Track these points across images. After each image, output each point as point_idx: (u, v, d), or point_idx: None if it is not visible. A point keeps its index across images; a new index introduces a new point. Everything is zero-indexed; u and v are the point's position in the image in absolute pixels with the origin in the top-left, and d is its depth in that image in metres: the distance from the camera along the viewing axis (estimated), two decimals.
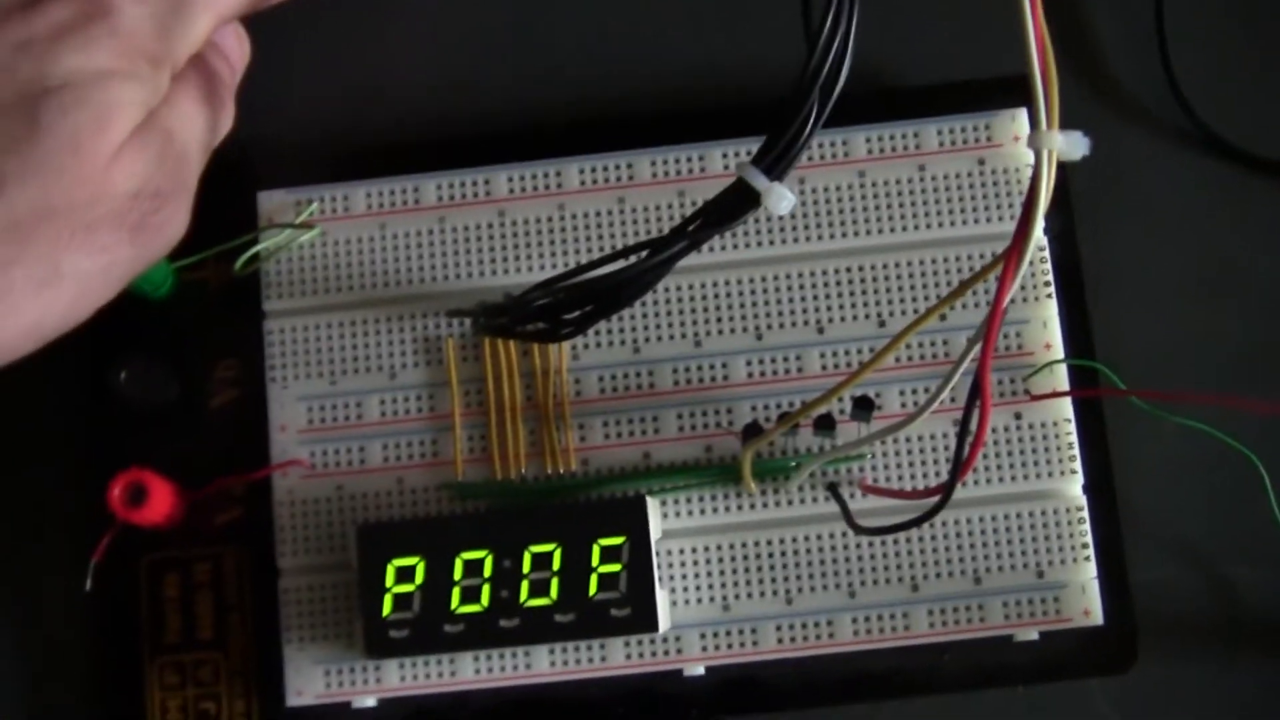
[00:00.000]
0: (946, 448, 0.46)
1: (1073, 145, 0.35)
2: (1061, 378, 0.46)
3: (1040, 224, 0.35)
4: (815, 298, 0.47)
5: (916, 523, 0.40)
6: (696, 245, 0.38)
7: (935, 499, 0.39)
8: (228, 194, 0.48)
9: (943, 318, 0.46)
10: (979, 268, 0.46)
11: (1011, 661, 0.46)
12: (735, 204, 0.38)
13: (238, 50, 0.46)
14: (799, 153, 0.37)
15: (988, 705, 0.46)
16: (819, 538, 0.46)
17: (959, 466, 0.38)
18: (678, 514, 0.46)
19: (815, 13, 0.38)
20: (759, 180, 0.37)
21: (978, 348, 0.37)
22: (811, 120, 0.37)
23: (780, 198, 0.37)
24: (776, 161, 0.37)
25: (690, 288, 0.47)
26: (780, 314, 0.47)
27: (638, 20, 0.51)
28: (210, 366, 0.48)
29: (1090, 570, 0.45)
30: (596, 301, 0.40)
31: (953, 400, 0.45)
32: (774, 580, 0.46)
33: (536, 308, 0.41)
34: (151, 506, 0.45)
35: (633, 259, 0.39)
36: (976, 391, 0.36)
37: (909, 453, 0.46)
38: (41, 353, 0.46)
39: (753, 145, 0.45)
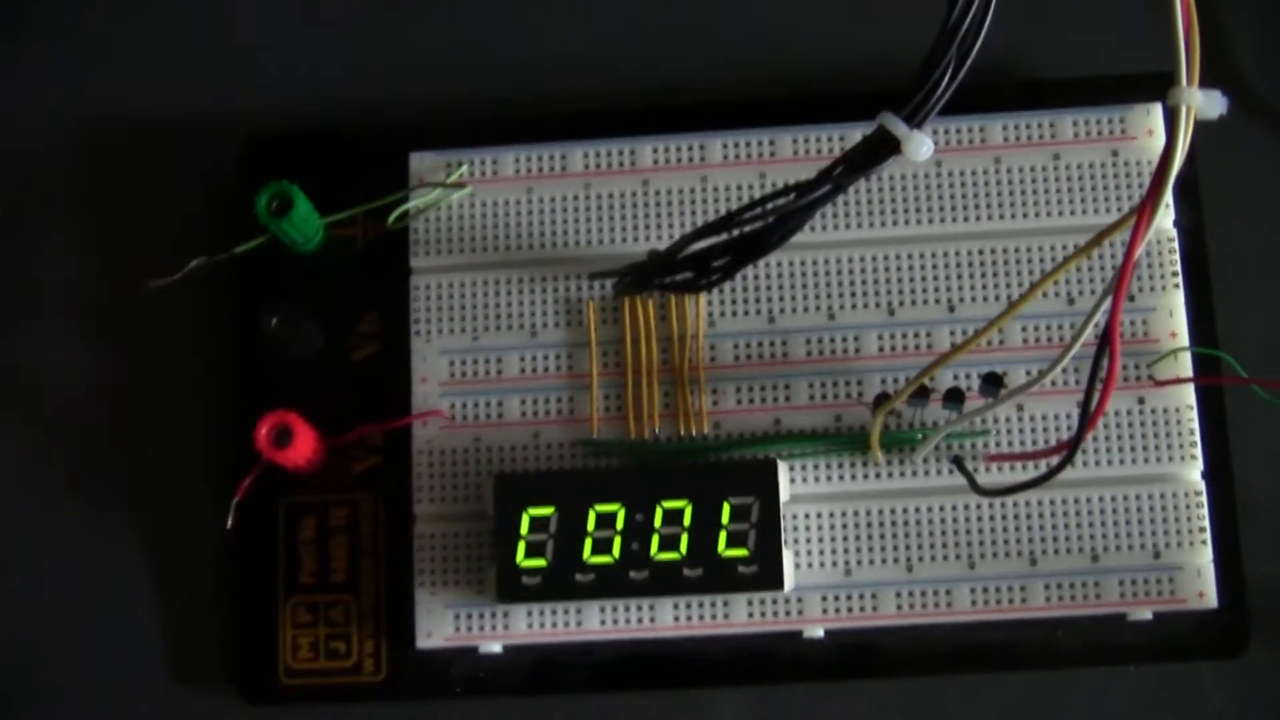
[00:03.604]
0: (1070, 428, 0.47)
1: (1211, 103, 0.36)
2: (1185, 365, 0.47)
3: (1173, 179, 0.36)
4: (948, 277, 0.48)
5: (1042, 479, 0.41)
6: (840, 190, 0.40)
7: (1061, 456, 0.40)
8: (380, 154, 0.50)
9: (1071, 302, 0.47)
10: (1107, 255, 0.47)
11: (1125, 640, 0.47)
12: (876, 150, 0.39)
13: None
14: (938, 102, 0.38)
15: (1099, 683, 0.47)
16: (941, 509, 0.47)
17: (1087, 417, 0.39)
18: (805, 480, 0.47)
19: None
20: (899, 127, 0.38)
21: (1108, 302, 0.38)
22: (950, 71, 0.38)
23: (920, 144, 0.38)
24: (916, 110, 0.38)
25: (826, 262, 0.48)
26: (913, 291, 0.48)
27: (785, 1, 0.52)
28: (355, 319, 0.50)
29: (1206, 554, 0.46)
30: (742, 246, 0.41)
31: (1077, 383, 0.47)
32: (896, 548, 0.47)
33: (683, 258, 0.42)
34: (295, 448, 0.46)
35: (778, 202, 0.40)
36: (1106, 340, 0.37)
37: (1033, 431, 0.47)
38: (197, 296, 0.48)
39: None
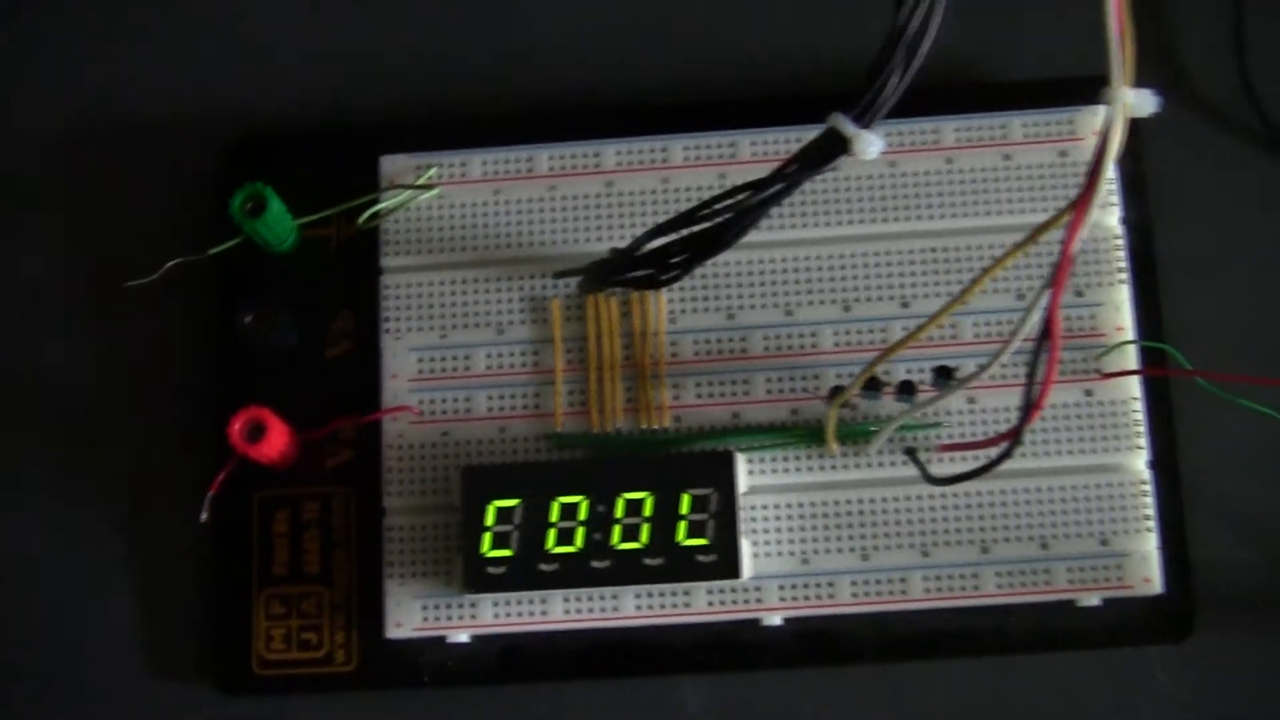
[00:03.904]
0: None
1: (1143, 101, 0.37)
2: (1132, 358, 0.49)
3: (1108, 175, 0.37)
4: (901, 274, 0.49)
5: (989, 467, 0.42)
6: (793, 188, 0.41)
7: (1007, 444, 0.41)
8: (351, 157, 0.52)
9: (1020, 297, 0.49)
10: (1054, 252, 0.48)
11: (1074, 626, 0.48)
12: (827, 149, 0.40)
13: None
14: (886, 103, 0.39)
15: (1050, 667, 0.49)
16: (895, 499, 0.48)
17: (1029, 408, 0.40)
18: (763, 471, 0.49)
19: None
20: (848, 127, 0.40)
21: (1049, 294, 0.39)
22: (898, 73, 0.40)
23: (869, 143, 0.39)
24: (865, 110, 0.40)
25: (784, 260, 0.50)
26: (868, 288, 0.49)
27: (747, 7, 0.54)
28: (328, 317, 0.51)
29: (1152, 541, 0.48)
30: (699, 243, 0.42)
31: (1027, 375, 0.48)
32: (851, 537, 0.48)
33: (642, 255, 0.44)
34: (269, 443, 0.47)
35: (734, 199, 0.41)
36: (1046, 331, 0.39)
37: (985, 422, 0.48)
38: (174, 295, 0.49)
39: None
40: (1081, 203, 0.38)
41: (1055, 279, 0.39)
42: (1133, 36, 0.37)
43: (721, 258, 0.46)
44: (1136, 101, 0.37)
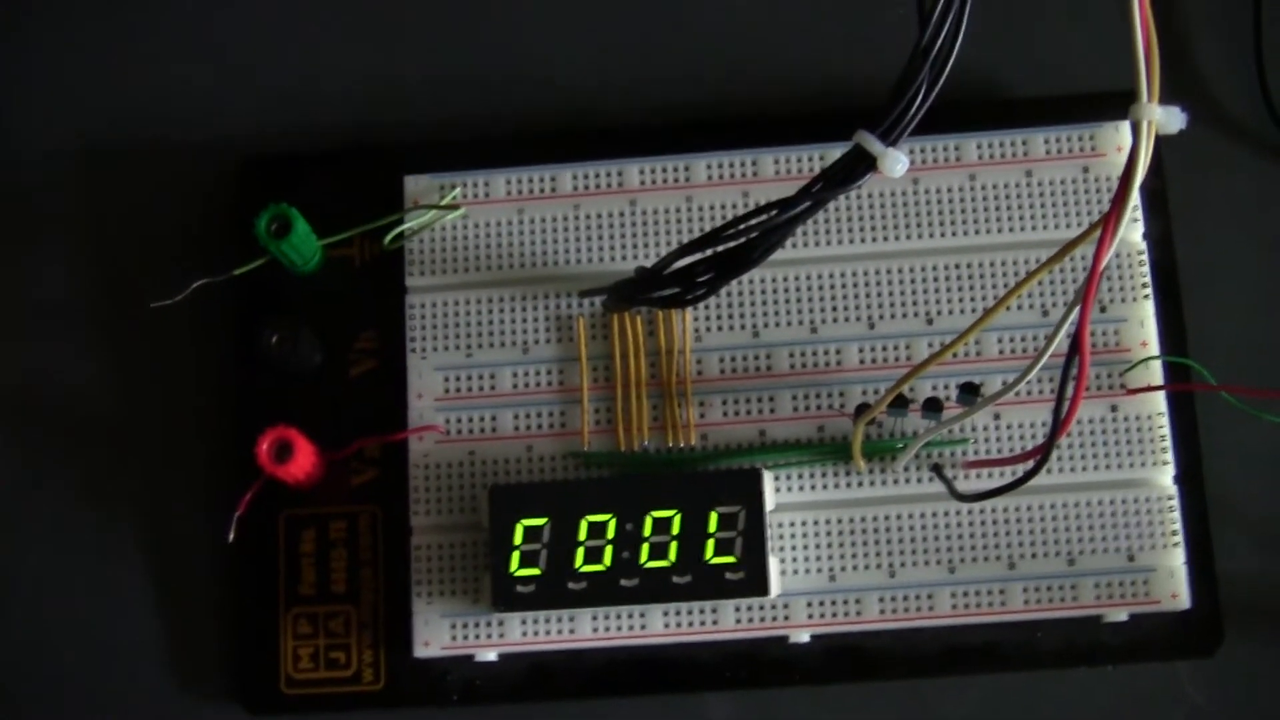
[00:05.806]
0: (1045, 435, 0.48)
1: (1170, 118, 0.37)
2: (1156, 374, 0.49)
3: (1136, 192, 0.37)
4: (925, 291, 0.50)
5: (1019, 483, 0.42)
6: (819, 206, 0.41)
7: (1035, 460, 0.42)
8: (375, 178, 0.52)
9: (1045, 313, 0.49)
10: (1079, 268, 0.49)
11: (1101, 641, 0.48)
12: (853, 166, 0.40)
13: None
14: (913, 120, 0.40)
15: (1078, 683, 0.49)
16: (922, 515, 0.48)
17: (1058, 424, 0.40)
18: (790, 489, 0.49)
19: None
20: (875, 145, 0.40)
21: (1077, 310, 0.39)
22: (924, 90, 0.40)
23: (896, 161, 0.40)
24: (891, 128, 0.40)
25: (809, 278, 0.50)
26: (892, 305, 0.50)
27: (766, 26, 0.54)
28: (352, 337, 0.51)
29: (1179, 556, 0.48)
30: (725, 262, 0.43)
31: (1052, 391, 0.48)
32: (878, 554, 0.48)
33: (669, 274, 0.44)
34: (296, 462, 0.48)
35: (760, 218, 0.41)
36: (1075, 348, 0.39)
37: (1010, 438, 0.48)
38: (199, 315, 0.49)
39: None
40: (1111, 218, 0.38)
41: (1085, 295, 0.39)
42: (1159, 53, 0.37)
43: (745, 275, 0.46)
44: (1164, 118, 0.37)
